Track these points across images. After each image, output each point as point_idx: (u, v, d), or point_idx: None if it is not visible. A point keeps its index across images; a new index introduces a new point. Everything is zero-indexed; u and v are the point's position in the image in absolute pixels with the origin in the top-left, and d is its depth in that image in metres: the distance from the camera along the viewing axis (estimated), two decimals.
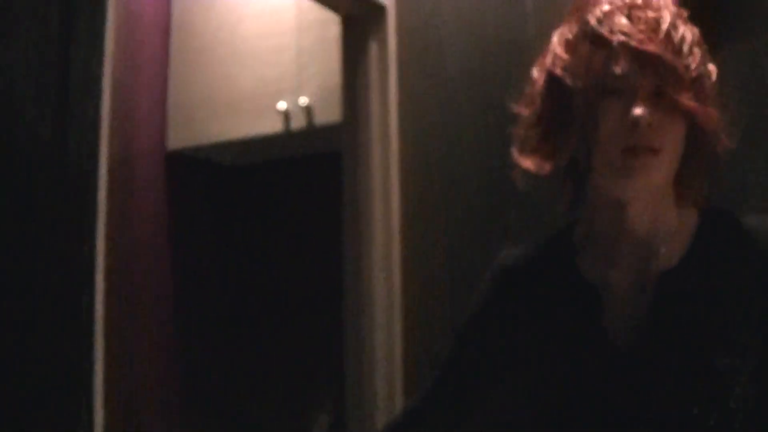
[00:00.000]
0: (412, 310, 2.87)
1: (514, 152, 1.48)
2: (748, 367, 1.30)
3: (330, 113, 3.45)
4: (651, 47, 1.33)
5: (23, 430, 1.88)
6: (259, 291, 4.15)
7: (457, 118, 2.84)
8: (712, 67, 1.42)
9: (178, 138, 3.91)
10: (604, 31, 1.35)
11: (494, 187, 2.72)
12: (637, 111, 1.32)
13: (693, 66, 1.35)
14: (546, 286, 1.51)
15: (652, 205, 1.40)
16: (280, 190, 4.16)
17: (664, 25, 1.35)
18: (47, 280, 1.94)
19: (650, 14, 1.36)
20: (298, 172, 4.10)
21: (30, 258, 1.93)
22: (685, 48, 1.35)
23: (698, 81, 1.36)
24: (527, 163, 1.46)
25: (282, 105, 3.58)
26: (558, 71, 1.40)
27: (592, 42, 1.36)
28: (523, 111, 1.48)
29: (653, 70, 1.33)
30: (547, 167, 1.44)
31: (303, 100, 3.53)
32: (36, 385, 1.94)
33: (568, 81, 1.38)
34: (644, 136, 1.32)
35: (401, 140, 2.90)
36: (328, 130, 3.49)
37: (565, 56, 1.40)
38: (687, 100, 1.34)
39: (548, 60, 1.44)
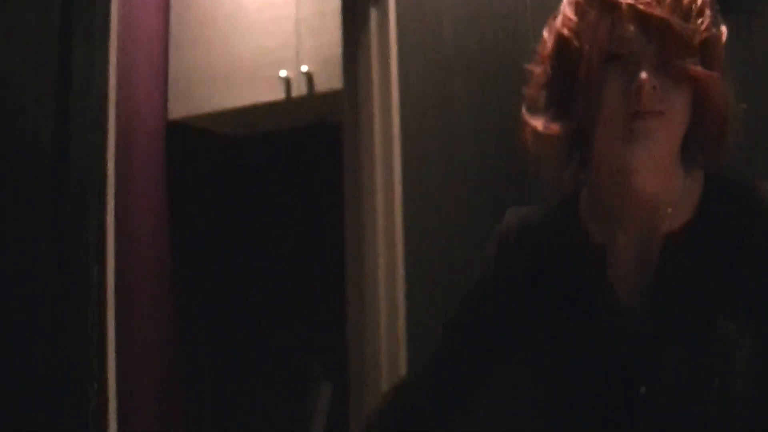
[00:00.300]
0: (414, 276, 2.88)
1: (524, 112, 1.48)
2: (750, 331, 1.30)
3: (331, 81, 3.46)
4: (657, 11, 1.32)
5: (33, 401, 1.90)
6: (260, 260, 4.16)
7: (458, 85, 2.83)
8: (722, 29, 1.41)
9: (178, 108, 3.91)
10: None
11: (496, 151, 2.72)
12: (642, 76, 1.31)
13: (701, 29, 1.34)
14: (552, 247, 1.51)
15: (658, 169, 1.39)
16: (281, 160, 4.16)
17: None
18: (55, 255, 1.96)
19: None
20: (299, 142, 4.10)
21: (38, 235, 1.94)
22: (694, 11, 1.34)
23: (706, 44, 1.36)
24: (536, 123, 1.45)
25: (283, 72, 3.58)
26: (566, 32, 1.40)
27: (600, 5, 1.36)
28: (534, 70, 1.47)
29: (659, 34, 1.33)
30: (555, 129, 1.43)
31: (304, 68, 3.53)
32: (45, 357, 1.96)
33: (575, 43, 1.38)
34: (649, 100, 1.32)
35: (402, 108, 2.89)
36: (329, 97, 3.50)
37: (573, 18, 1.40)
38: (692, 66, 1.33)
39: (558, 21, 1.43)
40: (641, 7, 1.33)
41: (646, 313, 1.37)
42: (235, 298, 4.16)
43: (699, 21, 1.35)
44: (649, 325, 1.36)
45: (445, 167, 2.83)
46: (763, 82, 2.40)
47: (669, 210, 1.40)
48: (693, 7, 1.35)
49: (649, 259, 1.40)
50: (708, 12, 1.37)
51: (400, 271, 2.86)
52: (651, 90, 1.32)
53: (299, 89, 3.58)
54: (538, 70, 1.47)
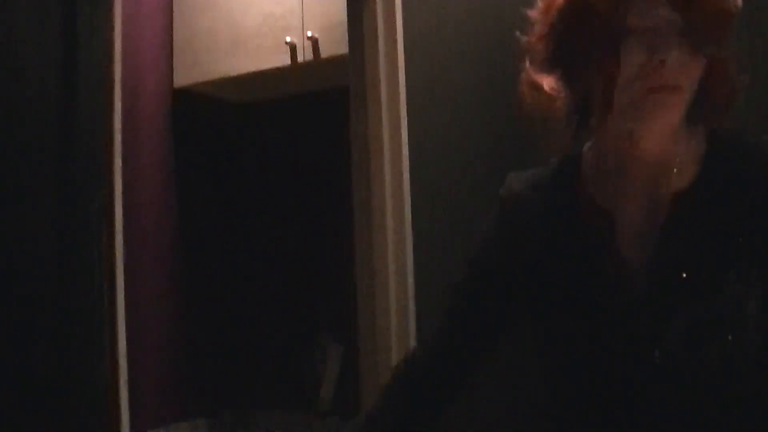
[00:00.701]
0: (422, 239, 2.89)
1: (527, 68, 1.45)
2: (759, 284, 1.31)
3: (336, 46, 3.46)
4: None
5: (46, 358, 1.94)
6: (266, 226, 4.17)
7: (464, 48, 2.83)
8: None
9: (184, 75, 3.91)
10: None
11: (503, 112, 2.72)
12: (666, 50, 1.29)
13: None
14: (557, 210, 1.49)
15: (666, 135, 1.37)
16: (287, 127, 4.16)
17: None
18: (65, 220, 1.97)
19: None
20: (305, 108, 4.10)
21: (47, 198, 1.96)
22: None
23: (726, 15, 1.33)
24: (542, 81, 1.43)
25: (288, 38, 3.58)
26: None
27: None
28: (537, 17, 1.43)
29: (684, 4, 1.29)
30: (562, 92, 1.42)
31: (309, 33, 3.53)
32: (58, 319, 1.99)
33: (600, 7, 1.32)
34: (670, 75, 1.29)
35: (408, 72, 2.89)
36: (335, 63, 3.50)
37: None
38: (715, 40, 1.32)
39: None
40: None
41: (654, 275, 1.36)
42: (242, 265, 4.18)
43: None
44: (658, 286, 1.35)
45: (452, 130, 2.84)
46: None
47: (674, 171, 1.39)
48: None
49: (655, 220, 1.38)
50: None
51: (409, 234, 2.87)
52: (673, 65, 1.29)
53: (304, 55, 3.58)
54: (542, 18, 1.42)
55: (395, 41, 2.87)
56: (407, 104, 2.88)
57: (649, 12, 1.30)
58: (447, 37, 2.85)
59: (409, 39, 2.88)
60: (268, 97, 4.13)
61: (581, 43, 1.36)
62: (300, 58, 3.58)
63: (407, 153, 2.87)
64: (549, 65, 1.43)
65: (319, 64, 3.59)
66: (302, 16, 3.59)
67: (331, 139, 3.87)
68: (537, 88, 1.44)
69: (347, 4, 2.94)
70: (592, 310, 1.40)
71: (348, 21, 2.95)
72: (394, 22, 2.86)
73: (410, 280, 2.87)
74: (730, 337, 1.30)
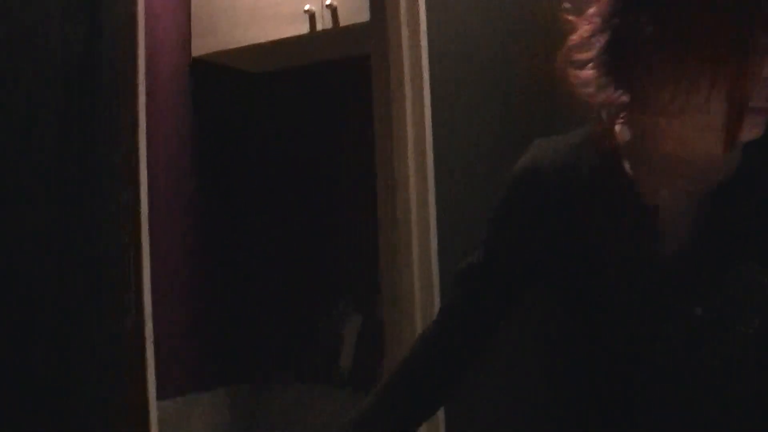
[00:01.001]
0: (445, 208, 2.88)
1: (566, 68, 1.35)
2: None
3: (355, 14, 3.44)
4: None
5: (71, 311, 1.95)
6: (286, 196, 4.17)
7: (488, 13, 2.81)
8: None
9: (202, 45, 3.90)
10: None
11: (526, 76, 2.70)
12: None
13: None
14: (589, 188, 1.42)
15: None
16: (306, 95, 4.15)
17: None
18: (87, 180, 1.98)
19: None
20: (324, 77, 4.08)
21: (68, 162, 1.96)
22: None
23: None
24: (584, 81, 1.34)
25: (307, 6, 3.56)
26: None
27: None
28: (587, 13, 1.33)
29: None
30: (610, 100, 1.33)
31: (328, 1, 3.51)
32: (83, 269, 2.00)
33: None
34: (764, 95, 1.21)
35: (430, 39, 2.86)
36: (354, 30, 3.48)
37: None
38: None
39: None
40: None
41: (691, 266, 1.33)
42: (262, 235, 4.18)
43: None
44: (695, 278, 1.32)
45: (476, 95, 2.82)
46: None
47: (714, 163, 1.33)
48: None
49: (693, 214, 1.34)
50: None
51: (432, 202, 2.86)
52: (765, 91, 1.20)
53: (324, 23, 3.56)
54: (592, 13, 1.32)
55: (417, 6, 2.84)
56: (429, 70, 2.85)
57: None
58: (471, 3, 2.82)
59: (432, 3, 2.85)
60: (287, 66, 4.11)
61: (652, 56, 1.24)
62: (319, 27, 3.56)
63: (430, 120, 2.85)
64: (594, 63, 1.33)
65: (338, 33, 3.57)
66: None
67: (352, 108, 3.85)
68: (577, 83, 1.36)
69: None
70: (624, 299, 1.36)
71: None
72: None
73: (434, 247, 2.86)
74: (757, 320, 1.27)
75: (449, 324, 1.54)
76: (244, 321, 4.09)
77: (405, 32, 2.84)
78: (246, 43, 3.75)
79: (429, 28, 2.86)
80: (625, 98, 1.33)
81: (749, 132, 1.22)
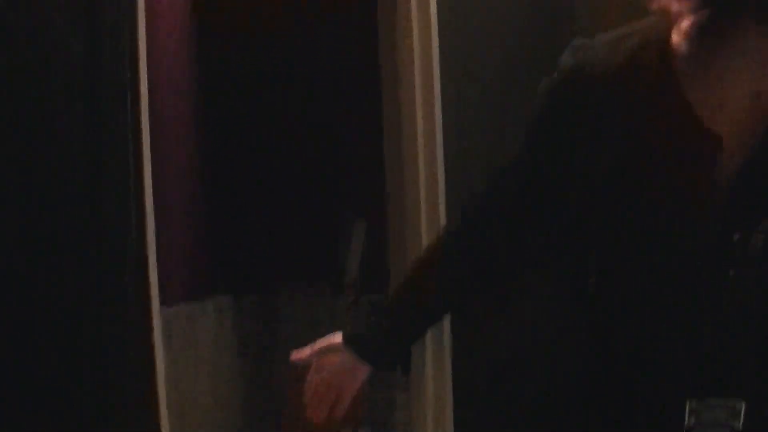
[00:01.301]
0: (452, 117, 2.84)
1: None
2: None
3: None
4: None
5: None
6: (290, 102, 4.10)
7: None
8: None
9: None
10: None
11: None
12: None
13: None
14: (646, 104, 1.33)
15: None
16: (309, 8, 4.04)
17: None
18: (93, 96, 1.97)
19: None
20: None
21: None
22: None
23: None
24: None
25: None
26: None
27: None
28: None
29: None
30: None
31: None
32: (85, 195, 2.00)
33: None
34: None
35: None
36: None
37: None
38: None
39: None
40: None
41: (743, 196, 1.29)
42: (266, 141, 4.13)
43: None
44: (744, 207, 1.29)
45: (485, 20, 2.78)
46: None
47: None
48: None
49: (747, 142, 1.28)
50: None
51: (438, 111, 2.83)
52: None
53: None
54: None
55: None
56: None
57: None
58: None
59: None
60: None
61: None
62: None
63: (436, 24, 2.81)
64: None
65: None
66: None
67: (356, 13, 3.77)
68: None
69: None
70: (670, 227, 1.32)
71: None
72: None
73: (440, 157, 2.85)
74: None
75: (479, 223, 1.49)
76: (248, 226, 4.07)
77: None
78: None
79: None
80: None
81: None
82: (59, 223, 1.99)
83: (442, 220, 2.79)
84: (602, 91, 1.33)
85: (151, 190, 2.15)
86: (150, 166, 2.14)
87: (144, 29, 2.10)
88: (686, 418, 1.30)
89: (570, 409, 1.53)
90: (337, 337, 1.52)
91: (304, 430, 1.62)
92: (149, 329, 2.10)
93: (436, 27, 2.79)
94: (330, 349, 1.52)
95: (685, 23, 1.27)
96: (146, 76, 2.10)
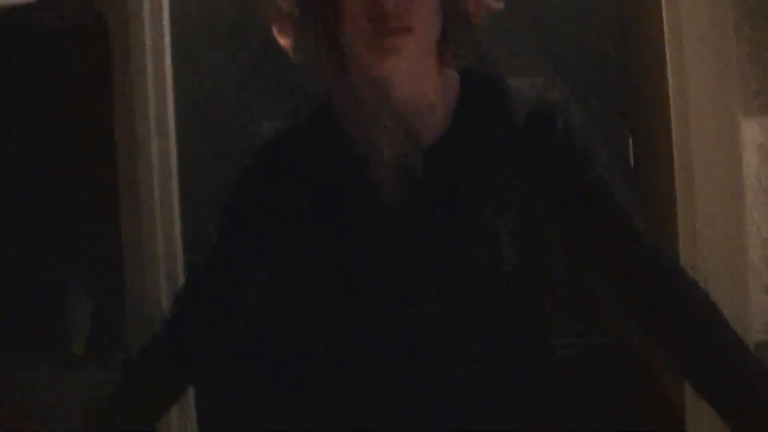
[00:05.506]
0: (189, 177, 2.84)
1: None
2: (513, 215, 1.38)
3: None
4: None
5: None
6: (15, 172, 3.91)
7: None
8: None
9: None
10: None
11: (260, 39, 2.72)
12: None
13: None
14: (314, 157, 1.48)
15: (413, 77, 1.38)
16: (36, 62, 3.90)
17: None
18: None
19: None
20: (48, 45, 3.85)
21: None
22: None
23: None
24: (283, 41, 1.43)
25: None
26: None
27: None
28: None
29: None
30: (294, 13, 1.41)
31: None
32: None
33: None
34: (394, 18, 1.29)
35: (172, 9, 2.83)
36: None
37: None
38: None
39: None
40: None
41: (413, 212, 1.39)
42: None
43: None
44: (417, 222, 1.39)
45: (215, 60, 2.81)
46: None
47: (428, 114, 1.41)
48: None
49: (413, 163, 1.41)
50: None
51: (175, 174, 2.82)
52: (393, 8, 1.29)
53: None
54: None
55: None
56: (171, 31, 2.82)
57: None
58: None
59: None
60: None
61: None
62: None
63: (171, 80, 2.82)
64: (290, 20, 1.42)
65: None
66: None
67: (83, 76, 3.67)
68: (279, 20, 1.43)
69: None
70: (353, 254, 1.42)
71: None
72: None
73: (177, 222, 2.83)
74: (484, 258, 1.36)
75: (181, 321, 1.58)
76: None
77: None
78: None
79: None
80: (323, 54, 1.41)
81: (396, 54, 1.32)
82: None
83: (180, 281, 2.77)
84: (281, 148, 1.51)
85: None
86: None
87: None
88: None
89: None
90: None
91: None
92: None
93: (172, 92, 2.81)
94: None
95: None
96: None
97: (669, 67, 2.45)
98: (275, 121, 1.56)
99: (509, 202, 1.39)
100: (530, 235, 1.42)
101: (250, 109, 2.77)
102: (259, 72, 2.72)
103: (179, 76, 2.82)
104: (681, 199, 2.42)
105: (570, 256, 1.47)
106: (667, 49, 2.45)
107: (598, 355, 2.52)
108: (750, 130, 2.33)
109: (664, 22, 2.45)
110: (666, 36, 2.45)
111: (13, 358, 3.74)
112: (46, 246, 3.80)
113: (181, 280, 2.76)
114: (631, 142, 2.57)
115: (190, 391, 2.65)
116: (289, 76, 2.66)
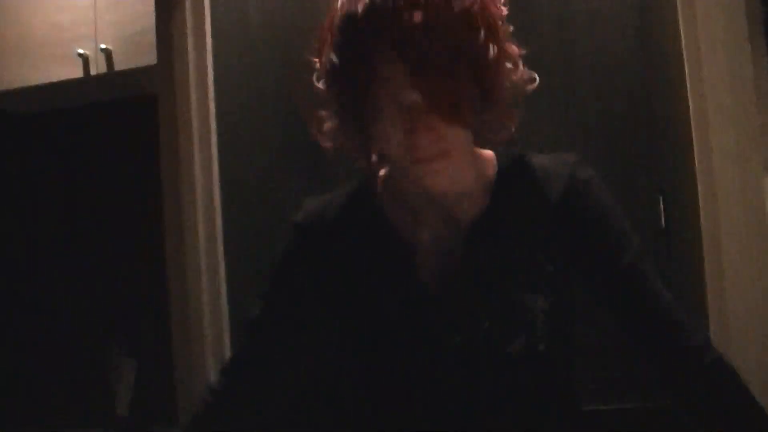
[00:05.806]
0: (233, 249, 2.90)
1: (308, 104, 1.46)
2: (548, 302, 1.40)
3: (131, 58, 3.41)
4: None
5: None
6: (63, 243, 4.01)
7: (272, 57, 2.89)
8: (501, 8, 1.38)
9: None
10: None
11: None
12: (405, 94, 1.29)
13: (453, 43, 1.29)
14: (355, 237, 1.50)
15: (452, 167, 1.37)
16: (80, 136, 4.01)
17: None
18: None
19: None
20: (100, 119, 3.97)
21: None
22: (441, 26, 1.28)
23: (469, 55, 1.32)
24: (320, 118, 1.46)
25: (80, 50, 3.49)
26: (332, 54, 1.37)
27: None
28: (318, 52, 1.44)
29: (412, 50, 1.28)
30: (339, 131, 1.44)
31: (102, 45, 3.46)
32: None
33: (337, 61, 1.35)
34: (427, 148, 1.31)
35: (217, 80, 2.91)
36: (130, 75, 3.45)
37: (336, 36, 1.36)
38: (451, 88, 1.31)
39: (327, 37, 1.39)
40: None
41: (453, 298, 1.41)
42: (32, 284, 4.02)
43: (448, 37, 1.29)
44: (457, 309, 1.40)
45: (261, 137, 2.88)
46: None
47: (466, 199, 1.44)
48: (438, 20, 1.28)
49: (453, 248, 1.43)
50: (460, 25, 1.30)
51: (221, 243, 2.89)
52: (426, 140, 1.31)
53: (98, 67, 3.50)
54: (319, 47, 1.43)
55: (204, 48, 2.89)
56: (216, 112, 2.90)
57: (388, 90, 1.31)
58: (255, 43, 2.89)
59: (218, 46, 2.90)
60: (57, 108, 3.98)
61: (353, 88, 1.36)
62: (93, 71, 3.50)
63: (217, 160, 2.89)
64: (328, 97, 1.44)
65: (113, 76, 3.51)
66: (95, 27, 3.50)
67: (132, 148, 3.77)
68: (317, 122, 1.46)
69: (156, 12, 2.94)
70: (395, 341, 1.43)
71: (156, 30, 2.95)
72: (203, 29, 2.89)
73: (224, 288, 2.89)
74: (522, 338, 1.38)
75: (238, 374, 1.59)
76: (14, 386, 3.90)
77: (193, 74, 2.88)
78: (15, 85, 3.63)
79: (216, 67, 2.91)
80: (365, 144, 1.43)
81: (433, 179, 1.35)
82: None
83: (227, 353, 2.83)
84: (323, 234, 1.53)
85: None
86: None
87: None
88: None
89: None
90: None
91: None
92: None
93: (218, 168, 2.88)
94: None
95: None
96: None
97: (694, 134, 2.56)
98: (317, 196, 1.59)
99: (545, 281, 1.40)
100: (563, 314, 1.43)
101: (293, 183, 2.83)
102: (302, 146, 2.77)
103: (223, 146, 2.89)
104: (709, 263, 2.52)
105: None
106: (691, 115, 2.56)
107: (629, 419, 2.52)
108: None
109: (688, 90, 2.55)
110: (691, 104, 2.56)
111: (60, 419, 3.80)
112: (96, 314, 3.87)
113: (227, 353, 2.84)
114: (661, 203, 2.60)
115: None
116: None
